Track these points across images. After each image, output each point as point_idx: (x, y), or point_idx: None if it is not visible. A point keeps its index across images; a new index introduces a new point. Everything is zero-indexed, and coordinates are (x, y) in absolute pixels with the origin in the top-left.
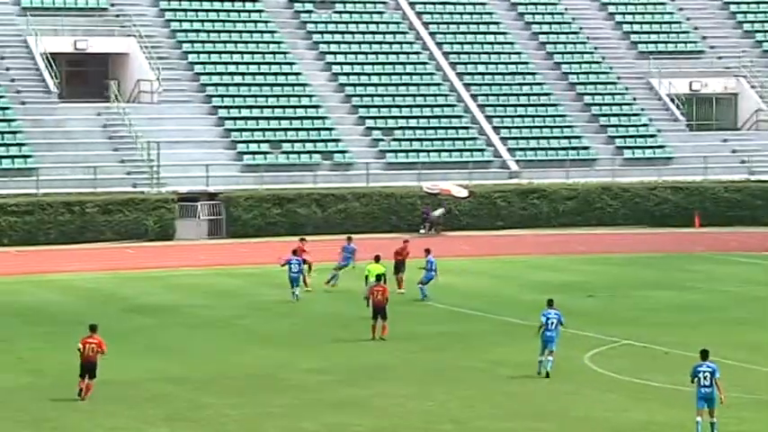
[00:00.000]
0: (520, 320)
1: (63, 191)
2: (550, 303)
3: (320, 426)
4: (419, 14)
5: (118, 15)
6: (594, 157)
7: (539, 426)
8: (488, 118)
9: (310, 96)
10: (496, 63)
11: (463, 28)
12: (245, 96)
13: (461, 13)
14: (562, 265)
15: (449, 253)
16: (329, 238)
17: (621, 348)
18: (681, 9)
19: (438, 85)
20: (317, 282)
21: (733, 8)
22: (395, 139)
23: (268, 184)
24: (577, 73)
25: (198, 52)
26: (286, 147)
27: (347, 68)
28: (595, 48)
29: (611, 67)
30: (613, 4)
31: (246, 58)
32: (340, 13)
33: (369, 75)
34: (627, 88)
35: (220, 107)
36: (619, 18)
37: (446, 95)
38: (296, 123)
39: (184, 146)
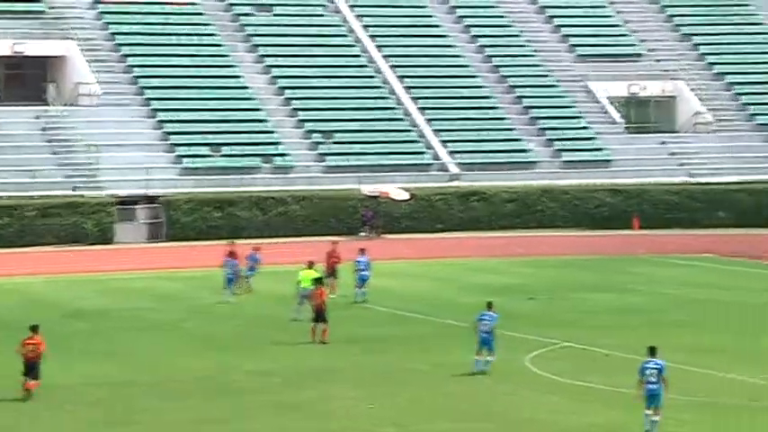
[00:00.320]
0: (460, 323)
1: (1, 194)
2: (489, 306)
3: (263, 428)
4: (359, 17)
5: (56, 18)
6: (534, 160)
7: (482, 427)
8: (429, 121)
9: (250, 99)
10: (437, 66)
11: (403, 31)
12: (184, 99)
13: (401, 17)
14: (502, 267)
15: (389, 256)
16: (270, 242)
17: (561, 350)
18: (619, 12)
19: (378, 88)
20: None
21: (670, 12)
22: (335, 142)
23: (208, 187)
24: (517, 76)
25: (137, 55)
26: (226, 150)
27: (287, 71)
28: (534, 51)
29: (549, 71)
30: (552, 7)
31: (186, 60)
32: (279, 15)
33: (308, 78)
34: (566, 91)
35: (160, 110)
36: (557, 22)
37: (386, 98)
38: (236, 126)
39: (124, 149)
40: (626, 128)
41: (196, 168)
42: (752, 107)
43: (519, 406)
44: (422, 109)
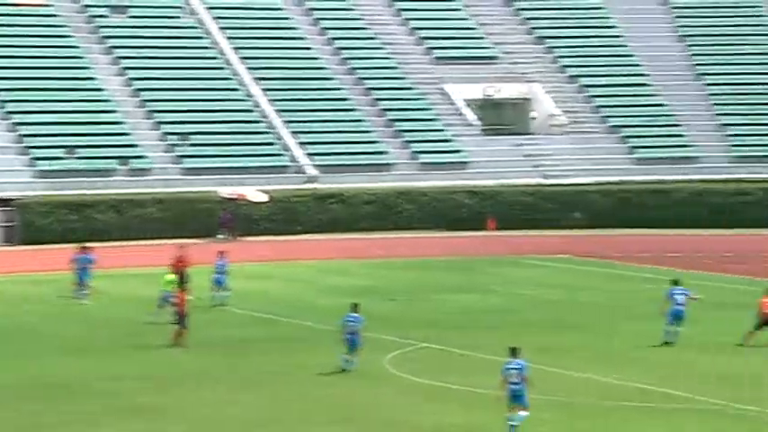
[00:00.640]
0: (320, 325)
1: None
2: (355, 307)
3: None
4: (216, 20)
5: None
6: (391, 162)
7: (343, 429)
8: (286, 123)
9: (106, 101)
10: (294, 69)
11: (260, 33)
12: (39, 101)
13: (259, 19)
14: (361, 269)
15: (248, 258)
16: (128, 244)
17: (420, 351)
18: (474, 16)
19: (235, 90)
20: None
21: (525, 15)
22: (192, 145)
23: (64, 189)
24: (374, 79)
25: None
26: (81, 152)
27: (143, 73)
28: (391, 54)
29: (406, 74)
30: (408, 10)
31: (40, 62)
32: (135, 18)
33: (164, 80)
34: (422, 94)
35: (14, 113)
36: (414, 25)
37: (244, 101)
38: (91, 128)
39: None
40: (482, 130)
41: (52, 171)
42: (604, 109)
43: (379, 407)
44: (279, 111)
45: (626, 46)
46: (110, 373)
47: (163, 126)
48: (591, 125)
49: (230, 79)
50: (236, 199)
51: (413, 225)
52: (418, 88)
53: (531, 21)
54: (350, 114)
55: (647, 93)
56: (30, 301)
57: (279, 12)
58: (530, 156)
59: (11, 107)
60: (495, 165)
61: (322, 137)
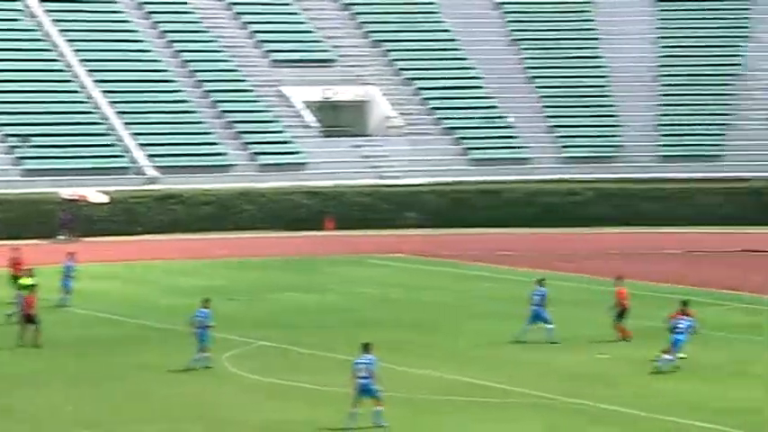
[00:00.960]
0: (162, 324)
1: None
2: (205, 303)
3: None
4: (55, 22)
5: None
6: (231, 163)
7: (185, 428)
8: (126, 125)
9: None
10: (134, 71)
11: (100, 36)
12: None
13: (97, 21)
14: (202, 269)
15: (89, 258)
16: None
17: (259, 350)
18: (312, 19)
19: (75, 92)
20: None
21: (361, 19)
22: (32, 146)
23: None
24: (213, 81)
25: None
26: None
27: None
28: (230, 57)
29: (245, 76)
30: (247, 13)
31: None
32: None
33: (4, 81)
34: (261, 96)
35: None
36: (252, 28)
37: (83, 102)
38: None
39: None
40: (320, 132)
41: None
42: (439, 112)
43: (220, 405)
44: (120, 113)
45: (460, 50)
46: None
47: (3, 128)
48: (426, 127)
49: (71, 81)
50: (76, 200)
51: (252, 225)
52: (257, 90)
53: (368, 25)
54: (190, 116)
55: (481, 95)
56: None
57: (119, 14)
58: (367, 157)
59: None
60: (334, 166)
61: (162, 138)
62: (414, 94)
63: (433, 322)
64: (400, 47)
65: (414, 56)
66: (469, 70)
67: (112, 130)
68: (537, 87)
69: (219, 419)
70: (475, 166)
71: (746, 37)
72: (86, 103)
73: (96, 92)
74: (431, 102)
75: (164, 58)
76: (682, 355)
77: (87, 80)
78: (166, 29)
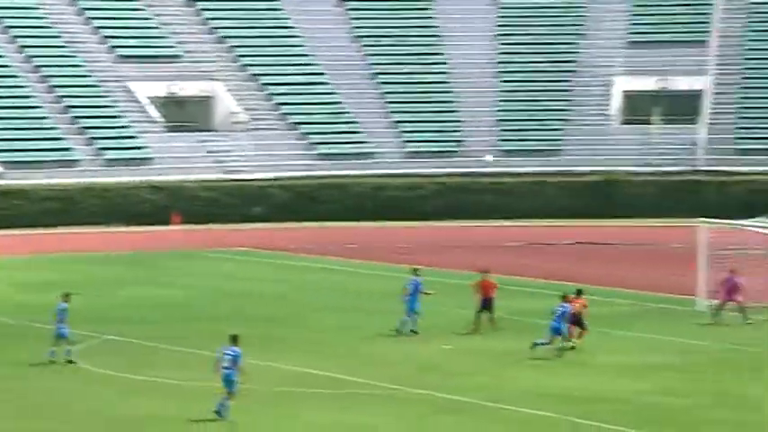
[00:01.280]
0: (9, 320)
1: None
2: (65, 297)
3: None
4: None
5: None
6: (76, 159)
7: (40, 425)
8: None
9: None
10: None
11: None
12: None
13: None
14: (48, 264)
15: None
16: None
17: (106, 344)
18: (157, 15)
19: None
20: None
21: (207, 15)
22: None
23: None
24: (58, 76)
25: None
26: None
27: None
28: (75, 52)
29: (91, 71)
30: (91, 9)
31: None
32: None
33: None
34: (107, 91)
35: None
36: (97, 23)
37: None
38: None
39: None
40: (165, 127)
41: None
42: (284, 107)
43: (70, 399)
44: None
45: (304, 46)
46: None
47: None
48: (271, 122)
49: None
50: None
51: (98, 220)
52: (102, 86)
53: (213, 21)
54: (34, 111)
55: (325, 91)
56: None
57: None
58: (212, 152)
59: None
60: (179, 161)
61: (6, 134)
62: (258, 90)
63: (279, 315)
64: (245, 43)
65: (258, 52)
66: (313, 66)
67: None
68: (380, 83)
69: (68, 414)
70: (320, 161)
71: (582, 35)
72: None
73: None
74: (275, 97)
75: (8, 54)
76: (572, 342)
77: None
78: (11, 24)
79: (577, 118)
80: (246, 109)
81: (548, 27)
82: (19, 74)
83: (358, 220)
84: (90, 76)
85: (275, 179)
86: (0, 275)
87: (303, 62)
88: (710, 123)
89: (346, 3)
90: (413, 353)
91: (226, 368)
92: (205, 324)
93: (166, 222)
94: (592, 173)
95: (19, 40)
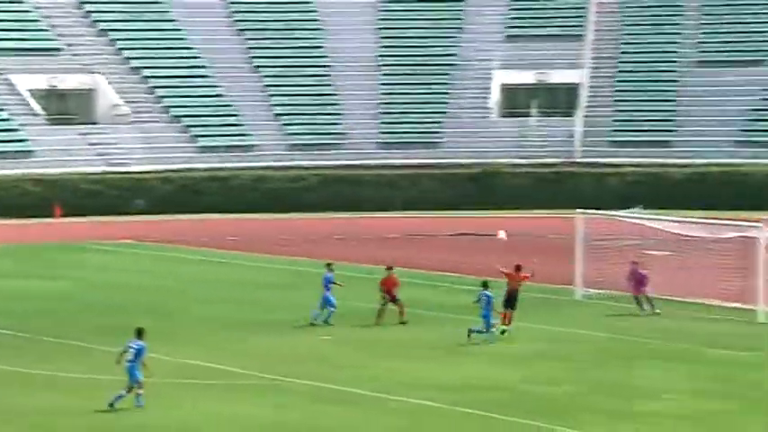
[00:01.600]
0: None
1: None
2: None
3: None
4: None
5: None
6: None
7: None
8: None
9: None
10: None
11: None
12: None
13: None
14: None
15: None
16: None
17: None
18: (38, 8)
19: None
20: None
21: (88, 7)
22: None
23: None
24: None
25: None
26: None
27: None
28: None
29: None
30: None
31: None
32: None
33: None
34: None
35: None
36: None
37: None
38: None
39: None
40: (47, 120)
41: None
42: (166, 100)
43: None
44: None
45: (186, 39)
46: None
47: None
48: (153, 115)
49: None
50: None
51: None
52: None
53: (94, 13)
54: None
55: (207, 84)
56: None
57: None
58: (95, 144)
59: None
60: (61, 153)
61: None
62: (140, 83)
63: (162, 307)
64: (126, 36)
65: (140, 44)
66: (195, 59)
67: None
68: (262, 76)
69: None
70: (202, 153)
71: (461, 28)
72: None
73: None
74: (157, 90)
75: None
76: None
77: None
78: None
79: (457, 111)
80: (128, 102)
81: (427, 21)
82: None
83: (240, 212)
84: None
85: (157, 171)
86: None
87: (185, 55)
88: (587, 116)
89: None
90: (294, 344)
91: (129, 361)
92: (91, 316)
93: (49, 215)
94: (471, 165)
95: None
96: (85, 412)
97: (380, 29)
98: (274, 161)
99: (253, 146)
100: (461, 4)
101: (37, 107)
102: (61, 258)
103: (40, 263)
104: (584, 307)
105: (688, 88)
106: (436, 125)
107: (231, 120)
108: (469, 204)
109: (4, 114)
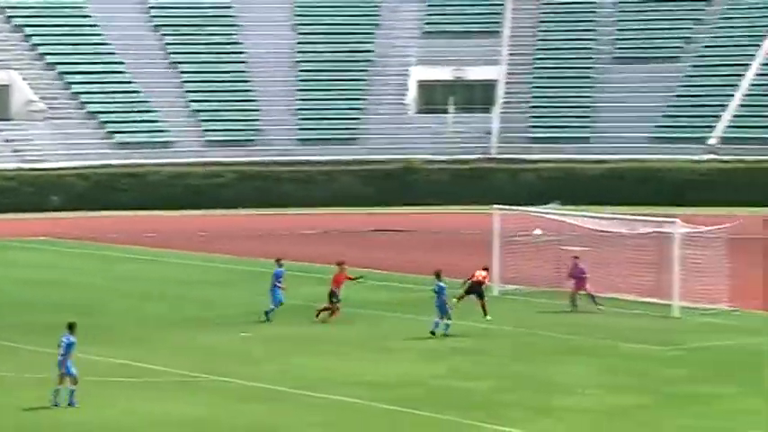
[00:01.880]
0: None
1: None
2: None
3: None
4: None
5: None
6: None
7: None
8: None
9: None
10: None
11: None
12: None
13: None
14: None
15: None
16: None
17: None
18: None
19: None
20: None
21: (2, 3)
22: None
23: None
24: None
25: None
26: None
27: None
28: None
29: None
30: None
31: None
32: None
33: None
34: None
35: None
36: None
37: None
38: None
39: None
40: None
41: None
42: (82, 96)
43: None
44: None
45: (102, 35)
46: None
47: None
48: (69, 111)
49: None
50: None
51: None
52: None
53: (9, 9)
54: None
55: (124, 80)
56: None
57: None
58: (10, 141)
59: None
60: None
61: None
62: (56, 79)
63: (80, 304)
64: (42, 31)
65: (55, 40)
66: (112, 55)
67: None
68: (179, 72)
69: None
70: (118, 150)
71: (378, 25)
72: None
73: None
74: (73, 86)
75: None
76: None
77: None
78: None
79: (374, 107)
80: (44, 98)
81: (344, 17)
82: None
83: (157, 208)
84: None
85: (74, 168)
86: None
87: (101, 51)
88: (503, 112)
89: None
90: (215, 341)
91: (61, 355)
92: (15, 315)
93: None
94: (389, 161)
95: None
96: (13, 411)
97: (297, 25)
98: (191, 157)
99: (170, 142)
100: (378, 0)
101: None
102: None
103: None
104: (501, 303)
105: (604, 84)
106: (354, 121)
107: (148, 116)
108: (387, 201)
109: None
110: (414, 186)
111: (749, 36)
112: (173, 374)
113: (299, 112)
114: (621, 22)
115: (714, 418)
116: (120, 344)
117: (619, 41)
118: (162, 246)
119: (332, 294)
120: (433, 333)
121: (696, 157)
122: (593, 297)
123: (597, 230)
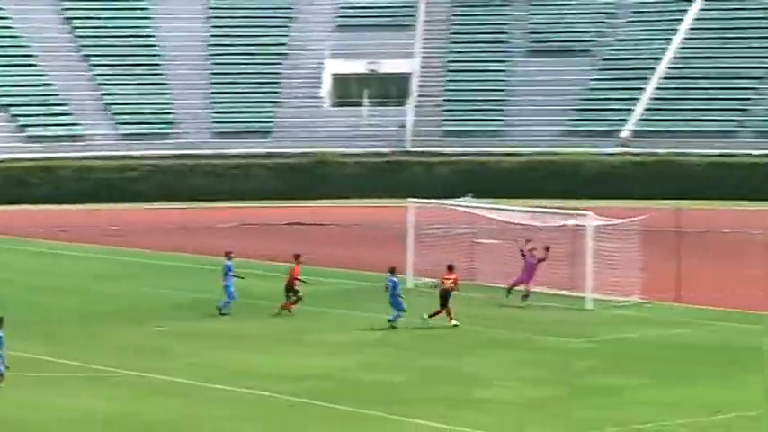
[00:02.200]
0: None
1: None
2: None
3: None
4: None
5: None
6: None
7: None
8: None
9: None
10: None
11: None
12: None
13: None
14: None
15: None
16: None
17: None
18: None
19: None
20: None
21: None
22: None
23: None
24: None
25: None
26: None
27: None
28: None
29: None
30: None
31: None
32: None
33: None
34: None
35: None
36: None
37: None
38: None
39: None
40: None
41: None
42: None
43: None
44: None
45: (13, 27)
46: None
47: None
48: None
49: None
50: None
51: None
52: None
53: None
54: None
55: (36, 73)
56: None
57: None
58: None
59: None
60: None
61: None
62: None
63: None
64: None
65: None
66: (23, 47)
67: None
68: (91, 65)
69: None
70: (30, 143)
71: (292, 17)
72: None
73: None
74: None
75: None
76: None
77: None
78: None
79: (288, 100)
80: None
81: (258, 10)
82: None
83: (69, 203)
84: None
85: None
86: None
87: (12, 44)
88: (418, 106)
89: None
90: (126, 335)
91: None
92: None
93: None
94: (303, 154)
95: None
96: None
97: (210, 17)
98: (104, 151)
99: (82, 135)
100: None
101: None
102: None
103: None
104: (416, 296)
105: (517, 78)
106: (268, 115)
107: (59, 109)
108: (302, 194)
109: None
110: (327, 180)
111: (661, 30)
112: (85, 369)
113: (213, 105)
114: (534, 16)
115: (623, 410)
116: (32, 339)
117: (532, 35)
118: (74, 240)
119: (288, 289)
120: (393, 325)
121: (609, 150)
122: (510, 291)
123: (511, 223)
